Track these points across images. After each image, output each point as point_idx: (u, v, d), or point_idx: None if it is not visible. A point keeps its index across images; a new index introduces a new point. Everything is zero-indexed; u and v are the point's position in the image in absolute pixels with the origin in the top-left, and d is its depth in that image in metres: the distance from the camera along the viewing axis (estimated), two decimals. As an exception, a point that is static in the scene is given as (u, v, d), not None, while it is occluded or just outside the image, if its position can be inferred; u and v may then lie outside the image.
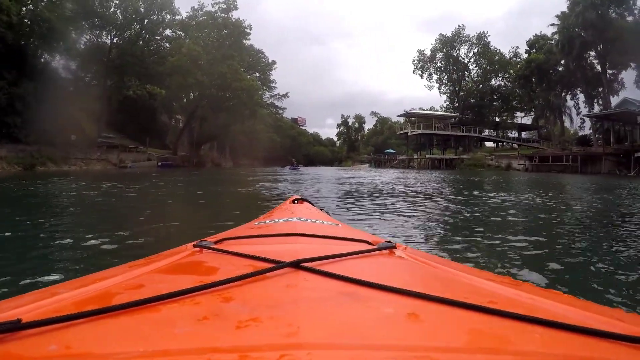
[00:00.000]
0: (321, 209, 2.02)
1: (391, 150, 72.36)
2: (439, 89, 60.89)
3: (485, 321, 0.50)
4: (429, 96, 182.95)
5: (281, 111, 61.75)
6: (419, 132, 50.82)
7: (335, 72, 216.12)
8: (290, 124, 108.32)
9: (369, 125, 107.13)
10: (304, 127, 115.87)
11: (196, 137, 52.67)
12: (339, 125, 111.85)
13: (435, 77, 60.55)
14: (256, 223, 1.46)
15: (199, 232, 3.28)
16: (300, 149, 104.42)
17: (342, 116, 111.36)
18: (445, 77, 60.19)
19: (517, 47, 57.59)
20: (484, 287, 0.69)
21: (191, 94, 48.63)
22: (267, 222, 1.43)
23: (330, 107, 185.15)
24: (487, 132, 53.36)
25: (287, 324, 0.46)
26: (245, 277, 0.62)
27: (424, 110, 55.58)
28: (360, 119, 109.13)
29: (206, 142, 57.14)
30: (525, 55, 52.62)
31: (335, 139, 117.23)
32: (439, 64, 60.17)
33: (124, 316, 0.50)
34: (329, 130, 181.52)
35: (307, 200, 2.07)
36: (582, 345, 0.45)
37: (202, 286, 0.57)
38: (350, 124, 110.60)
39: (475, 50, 57.87)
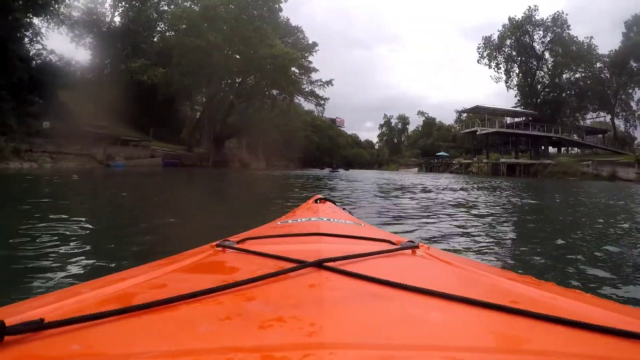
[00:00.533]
0: (344, 209, 1.99)
1: (444, 154, 63.74)
2: (506, 82, 50.80)
3: (508, 321, 0.50)
4: (471, 100, 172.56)
5: (323, 102, 51.19)
6: (492, 130, 41.01)
7: (376, 76, 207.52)
8: (328, 123, 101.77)
9: (412, 127, 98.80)
10: (342, 129, 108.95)
11: (218, 130, 43.91)
12: (381, 126, 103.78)
13: (503, 68, 50.52)
14: (279, 222, 1.45)
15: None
16: (339, 150, 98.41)
17: (385, 116, 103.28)
18: (516, 67, 50.04)
19: (592, 37, 47.50)
20: (507, 286, 0.69)
21: (207, 79, 38.07)
22: (290, 221, 1.41)
23: (370, 111, 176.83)
24: (564, 134, 43.41)
25: (309, 324, 0.46)
26: (267, 277, 0.62)
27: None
28: (404, 120, 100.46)
29: (229, 136, 48.08)
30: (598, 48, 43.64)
31: (376, 140, 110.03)
32: (507, 52, 49.89)
33: (147, 316, 0.50)
34: (367, 134, 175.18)
35: (329, 200, 2.01)
36: (605, 345, 0.45)
37: (225, 286, 0.57)
38: (393, 124, 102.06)
39: (551, 36, 47.71)
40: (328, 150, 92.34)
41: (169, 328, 0.47)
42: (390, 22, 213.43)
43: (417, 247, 0.91)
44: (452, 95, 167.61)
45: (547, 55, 48.26)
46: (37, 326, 0.44)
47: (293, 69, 41.95)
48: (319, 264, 0.67)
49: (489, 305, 0.53)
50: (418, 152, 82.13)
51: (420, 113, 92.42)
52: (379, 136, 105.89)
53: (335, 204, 2.01)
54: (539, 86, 49.05)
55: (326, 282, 0.62)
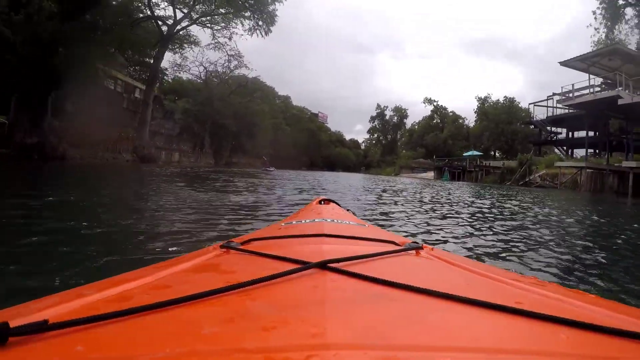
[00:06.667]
0: (347, 210, 1.97)
1: (476, 152, 43.10)
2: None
3: (512, 322, 0.50)
4: (465, 108, 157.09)
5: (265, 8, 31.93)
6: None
7: (372, 81, 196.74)
8: (308, 115, 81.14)
9: (410, 121, 78.02)
10: (326, 124, 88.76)
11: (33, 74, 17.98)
12: (372, 119, 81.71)
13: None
14: (283, 224, 1.44)
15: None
16: (320, 148, 77.65)
17: (378, 107, 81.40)
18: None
19: None
20: (510, 287, 0.69)
21: None
22: (294, 222, 1.40)
23: (362, 114, 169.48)
24: None
25: (313, 325, 0.46)
26: (271, 278, 0.62)
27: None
28: (401, 112, 79.28)
29: (50, 88, 19.71)
30: None
31: (364, 137, 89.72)
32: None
33: (151, 317, 0.50)
34: (355, 136, 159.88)
35: (333, 201, 2.02)
36: (609, 345, 0.45)
37: (229, 287, 0.57)
38: (387, 117, 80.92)
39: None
40: (307, 148, 71.86)
41: (172, 329, 0.47)
42: (394, 28, 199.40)
43: (421, 248, 0.92)
44: (450, 104, 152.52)
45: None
46: (41, 327, 0.44)
47: None
48: (323, 265, 0.67)
49: (493, 306, 0.52)
50: (422, 152, 61.62)
51: (427, 101, 70.08)
52: (369, 131, 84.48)
53: (339, 205, 1.98)
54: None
55: (330, 283, 0.62)
